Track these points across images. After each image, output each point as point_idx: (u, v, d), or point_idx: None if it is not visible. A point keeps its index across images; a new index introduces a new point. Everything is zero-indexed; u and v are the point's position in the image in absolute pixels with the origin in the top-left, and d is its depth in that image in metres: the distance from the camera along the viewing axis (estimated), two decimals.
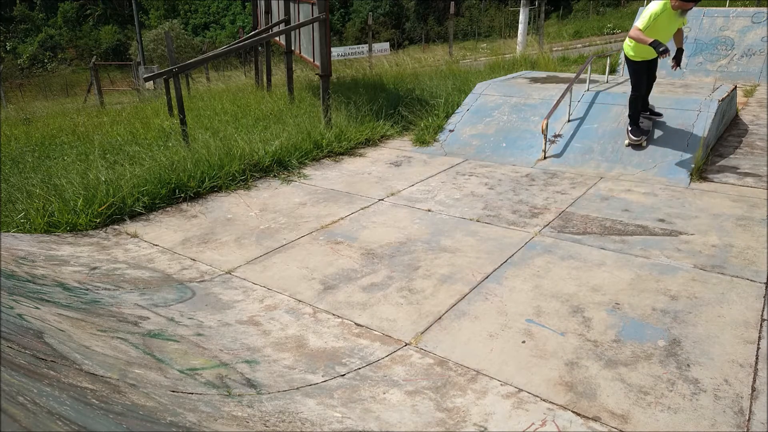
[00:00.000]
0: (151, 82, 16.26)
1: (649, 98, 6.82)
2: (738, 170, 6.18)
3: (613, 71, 8.88)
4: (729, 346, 3.14)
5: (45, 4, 49.43)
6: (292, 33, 10.20)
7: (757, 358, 3.02)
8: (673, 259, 4.21)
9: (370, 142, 7.98)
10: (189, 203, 5.71)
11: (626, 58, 6.40)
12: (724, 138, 7.27)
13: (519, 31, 17.79)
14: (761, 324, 3.34)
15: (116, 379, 2.25)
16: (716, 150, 6.78)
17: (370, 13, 31.31)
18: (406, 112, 8.85)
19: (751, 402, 2.70)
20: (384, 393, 2.82)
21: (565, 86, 7.53)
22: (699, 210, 5.19)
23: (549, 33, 29.83)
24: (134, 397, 2.12)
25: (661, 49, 5.58)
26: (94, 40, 48.14)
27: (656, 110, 6.90)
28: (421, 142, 7.89)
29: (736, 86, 8.35)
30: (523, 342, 3.24)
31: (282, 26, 10.48)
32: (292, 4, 10.06)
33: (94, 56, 29.79)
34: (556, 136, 7.21)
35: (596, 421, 2.60)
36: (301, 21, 9.06)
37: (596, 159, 6.65)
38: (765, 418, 2.59)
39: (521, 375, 2.95)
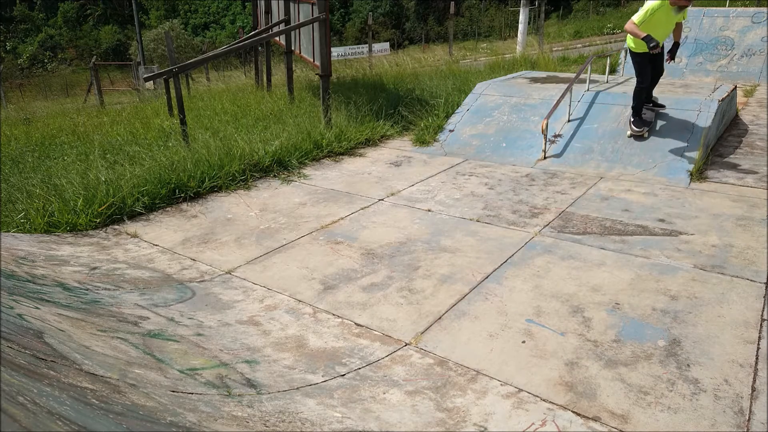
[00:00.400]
0: (151, 82, 16.26)
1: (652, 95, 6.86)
2: (738, 170, 6.18)
3: (613, 71, 8.89)
4: (729, 346, 3.14)
5: (45, 4, 49.45)
6: (292, 33, 10.20)
7: (757, 358, 3.02)
8: (673, 259, 4.21)
9: (370, 142, 7.98)
10: (189, 203, 5.71)
11: (629, 50, 6.48)
12: (724, 138, 7.27)
13: (519, 31, 17.80)
14: (761, 324, 3.34)
15: (116, 379, 2.25)
16: (716, 150, 6.78)
17: (370, 13, 31.33)
18: (406, 112, 8.85)
19: (751, 402, 2.70)
20: (384, 393, 2.82)
21: (565, 86, 7.53)
22: (699, 210, 5.19)
23: (549, 33, 29.86)
24: (134, 397, 2.12)
25: (651, 45, 5.70)
26: (94, 40, 48.16)
27: (659, 102, 6.95)
28: (421, 142, 7.89)
29: (736, 86, 8.35)
30: (523, 342, 3.24)
31: (282, 26, 10.48)
32: (292, 4, 10.07)
33: (94, 56, 29.79)
34: (556, 136, 7.21)
35: (596, 421, 2.60)
36: (301, 21, 9.06)
37: (596, 159, 6.65)
38: (765, 418, 2.59)
39: (521, 375, 2.95)
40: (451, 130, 7.96)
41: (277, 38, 11.80)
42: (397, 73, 12.68)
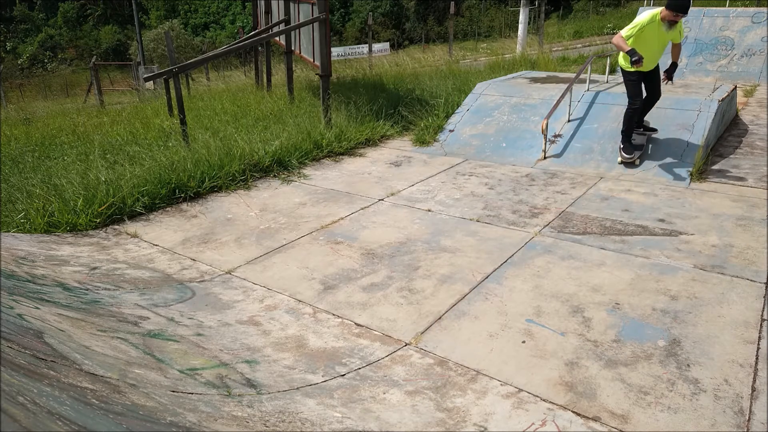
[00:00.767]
0: (151, 82, 16.26)
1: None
2: (738, 170, 6.18)
3: (613, 71, 8.88)
4: (729, 346, 3.14)
5: (45, 4, 49.46)
6: (292, 33, 10.20)
7: (757, 358, 3.02)
8: (673, 259, 4.21)
9: (370, 142, 7.98)
10: (189, 203, 5.71)
11: (621, 69, 6.17)
12: (724, 138, 7.27)
13: (519, 31, 17.80)
14: (761, 324, 3.34)
15: (116, 379, 2.25)
16: (716, 150, 6.78)
17: (370, 13, 31.33)
18: (406, 112, 8.85)
19: (751, 402, 2.70)
20: (384, 393, 2.82)
21: (565, 86, 7.53)
22: (699, 210, 5.19)
23: (549, 33, 29.85)
24: (134, 397, 2.12)
25: (634, 59, 5.43)
26: (94, 40, 48.17)
27: (651, 126, 6.66)
28: (421, 142, 7.89)
29: (736, 86, 8.35)
30: (523, 342, 3.24)
31: (282, 26, 10.48)
32: (292, 4, 10.07)
33: (94, 56, 29.78)
34: (556, 136, 7.21)
35: (596, 421, 2.60)
36: (301, 21, 9.06)
37: (596, 159, 6.65)
38: (765, 418, 2.59)
39: (521, 375, 2.95)
40: (451, 130, 7.96)
41: (277, 38, 11.80)
42: (397, 73, 12.68)
